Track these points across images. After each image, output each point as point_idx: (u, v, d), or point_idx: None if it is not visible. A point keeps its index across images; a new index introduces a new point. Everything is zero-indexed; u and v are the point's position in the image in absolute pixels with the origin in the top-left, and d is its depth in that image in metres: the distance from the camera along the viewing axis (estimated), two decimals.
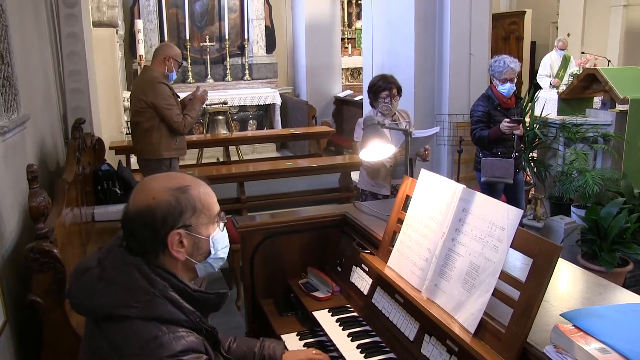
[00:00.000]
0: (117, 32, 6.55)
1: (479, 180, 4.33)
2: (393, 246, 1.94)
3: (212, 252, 1.36)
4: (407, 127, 2.44)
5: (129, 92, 4.35)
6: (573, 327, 1.29)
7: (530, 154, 5.41)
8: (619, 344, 1.20)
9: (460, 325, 1.52)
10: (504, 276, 1.46)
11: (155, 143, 4.14)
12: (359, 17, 10.77)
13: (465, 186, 1.67)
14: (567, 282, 1.80)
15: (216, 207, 1.38)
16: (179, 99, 4.29)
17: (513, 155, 4.17)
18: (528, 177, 5.55)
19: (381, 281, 2.00)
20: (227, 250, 1.42)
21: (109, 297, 1.24)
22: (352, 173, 5.95)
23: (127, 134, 4.94)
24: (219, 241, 1.37)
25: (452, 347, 1.58)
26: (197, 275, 1.39)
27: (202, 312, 1.31)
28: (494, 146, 4.20)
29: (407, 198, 1.96)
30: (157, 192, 1.29)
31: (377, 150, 2.46)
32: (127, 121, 5.02)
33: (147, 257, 1.30)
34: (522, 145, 4.60)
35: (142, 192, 1.31)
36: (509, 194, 4.43)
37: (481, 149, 4.30)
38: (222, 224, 1.39)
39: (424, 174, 1.87)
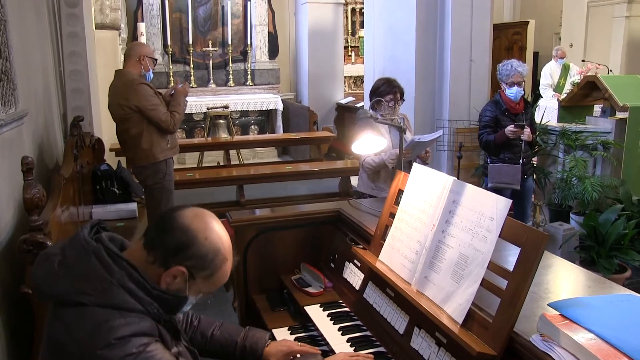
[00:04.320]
0: (119, 35, 6.59)
1: (486, 185, 4.31)
2: (385, 240, 1.94)
3: (179, 307, 1.36)
4: (402, 124, 2.43)
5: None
6: (559, 316, 1.28)
7: (531, 160, 5.40)
8: (605, 331, 1.19)
9: (448, 316, 1.52)
10: (493, 266, 1.46)
11: (147, 148, 3.93)
12: (362, 25, 10.82)
13: (455, 178, 1.66)
14: (559, 277, 1.80)
15: (218, 287, 1.40)
16: (160, 95, 4.05)
17: (520, 161, 4.16)
18: None
19: (373, 276, 1.99)
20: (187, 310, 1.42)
21: (66, 283, 1.25)
22: (352, 178, 5.95)
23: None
24: (188, 305, 1.38)
25: (440, 338, 1.57)
26: None
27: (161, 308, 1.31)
28: (501, 151, 4.19)
29: (400, 193, 1.96)
30: (213, 239, 1.32)
31: (369, 142, 2.45)
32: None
33: (147, 253, 1.30)
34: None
35: (204, 223, 1.33)
36: (516, 200, 4.41)
37: (488, 154, 4.30)
38: (198, 297, 1.40)
39: (416, 168, 1.87)
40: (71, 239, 1.33)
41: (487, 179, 4.28)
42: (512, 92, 4.11)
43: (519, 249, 1.39)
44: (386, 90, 3.49)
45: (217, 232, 1.34)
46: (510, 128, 4.00)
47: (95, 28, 5.70)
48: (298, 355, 1.71)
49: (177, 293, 1.33)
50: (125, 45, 7.82)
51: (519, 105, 4.19)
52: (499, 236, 1.45)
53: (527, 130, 4.06)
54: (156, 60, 4.14)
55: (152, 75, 4.06)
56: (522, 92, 4.15)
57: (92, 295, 1.22)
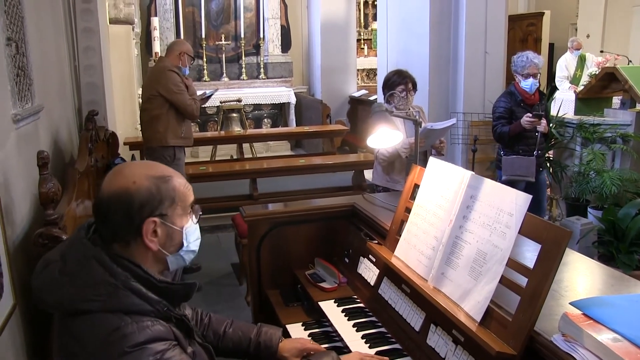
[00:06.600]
0: (133, 30, 6.61)
1: (500, 178, 4.25)
2: (400, 236, 1.91)
3: (185, 244, 1.33)
4: (418, 117, 2.39)
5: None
6: (582, 315, 1.25)
7: (547, 154, 5.32)
8: (632, 332, 1.15)
9: (466, 313, 1.49)
10: (512, 263, 1.42)
11: (162, 131, 4.23)
12: (375, 18, 10.73)
13: (473, 172, 1.63)
14: (580, 274, 1.76)
15: (191, 199, 1.35)
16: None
17: (535, 153, 4.10)
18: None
19: (388, 271, 1.97)
20: (198, 242, 1.38)
21: (69, 291, 1.20)
22: (365, 171, 5.91)
23: (141, 130, 5.03)
24: (192, 233, 1.34)
25: (458, 336, 1.54)
26: (167, 268, 1.35)
27: (171, 302, 1.27)
28: (516, 143, 4.13)
29: (416, 187, 1.93)
30: (138, 178, 1.25)
31: (385, 136, 2.42)
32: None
33: (116, 244, 1.26)
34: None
35: (121, 176, 1.26)
36: (530, 194, 4.33)
37: (502, 146, 4.24)
38: (194, 217, 1.36)
39: (433, 162, 1.84)
40: (70, 243, 1.29)
41: (501, 172, 4.22)
42: (528, 84, 4.05)
43: (539, 245, 1.36)
44: (397, 81, 3.46)
45: (138, 170, 1.28)
46: (527, 118, 3.94)
47: (109, 23, 5.72)
48: (312, 353, 1.69)
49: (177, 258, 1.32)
50: (139, 40, 7.85)
51: (534, 96, 4.13)
52: (518, 232, 1.42)
53: (543, 121, 4.00)
54: (194, 59, 4.56)
55: (187, 71, 4.42)
56: (538, 84, 4.09)
57: (98, 301, 1.18)
